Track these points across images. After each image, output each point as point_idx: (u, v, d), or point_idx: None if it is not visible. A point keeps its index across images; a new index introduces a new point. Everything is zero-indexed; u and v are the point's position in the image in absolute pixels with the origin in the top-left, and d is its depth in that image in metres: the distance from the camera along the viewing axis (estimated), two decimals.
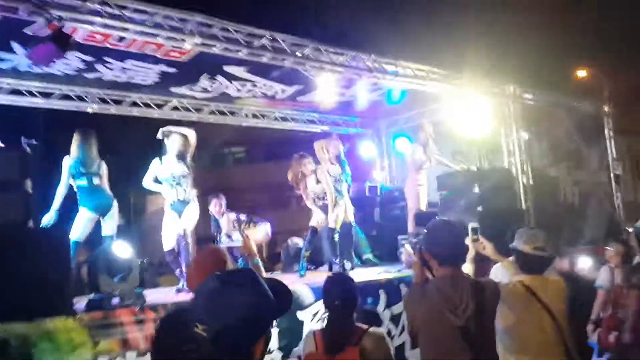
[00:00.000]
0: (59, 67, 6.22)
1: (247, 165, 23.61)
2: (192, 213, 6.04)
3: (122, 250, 4.86)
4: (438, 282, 2.92)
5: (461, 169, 8.15)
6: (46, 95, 6.89)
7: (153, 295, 5.52)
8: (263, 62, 6.06)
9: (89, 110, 7.26)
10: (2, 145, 4.35)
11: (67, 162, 5.84)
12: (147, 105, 7.68)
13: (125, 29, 5.01)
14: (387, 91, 8.32)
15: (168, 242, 5.94)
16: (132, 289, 4.77)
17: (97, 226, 5.96)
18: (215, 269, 2.66)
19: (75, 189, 5.89)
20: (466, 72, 7.64)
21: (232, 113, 8.51)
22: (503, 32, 7.39)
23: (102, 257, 4.73)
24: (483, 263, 4.21)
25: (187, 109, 8.02)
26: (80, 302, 4.77)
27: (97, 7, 4.67)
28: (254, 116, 8.71)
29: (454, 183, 8.10)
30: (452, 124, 8.49)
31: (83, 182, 5.88)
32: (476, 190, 7.70)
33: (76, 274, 5.30)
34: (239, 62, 6.41)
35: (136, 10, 4.99)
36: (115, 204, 6.06)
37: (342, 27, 6.60)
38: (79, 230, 5.76)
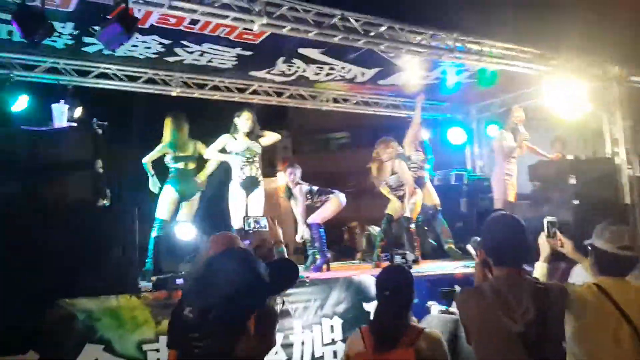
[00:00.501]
0: (140, 50, 6.41)
1: (345, 151, 23.49)
2: (261, 196, 6.05)
3: (188, 232, 4.91)
4: (494, 283, 2.60)
5: (556, 158, 7.49)
6: (132, 78, 7.14)
7: None
8: (334, 42, 5.85)
9: (173, 93, 7.45)
10: (75, 124, 4.51)
11: (161, 147, 6.18)
12: (228, 89, 7.76)
13: (194, 11, 5.00)
14: (477, 73, 7.82)
15: (237, 220, 5.94)
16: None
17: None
18: None
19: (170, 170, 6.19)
20: (562, 51, 6.97)
21: (313, 97, 8.40)
22: (607, 4, 6.62)
23: (168, 239, 4.80)
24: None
25: (267, 93, 8.01)
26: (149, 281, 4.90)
27: None
28: (335, 100, 8.54)
29: (547, 173, 7.51)
30: (549, 109, 7.86)
31: (179, 165, 6.18)
32: (572, 181, 7.08)
33: (156, 253, 5.46)
34: (313, 44, 6.26)
35: None
36: (199, 193, 6.22)
37: (420, 3, 6.17)
38: (163, 208, 6.01)
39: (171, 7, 4.84)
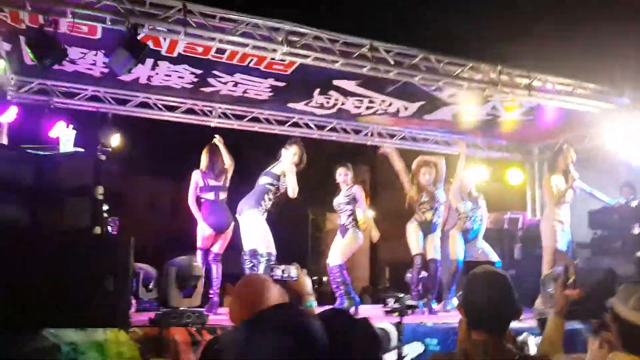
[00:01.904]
0: (174, 80, 6.42)
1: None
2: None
3: (192, 266, 4.70)
4: (470, 350, 2.14)
5: (617, 204, 6.72)
6: (171, 108, 7.17)
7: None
8: (368, 74, 5.57)
9: (212, 124, 7.40)
10: (80, 150, 4.46)
11: (196, 175, 5.96)
12: (268, 121, 7.62)
13: (212, 39, 4.90)
14: (535, 110, 7.25)
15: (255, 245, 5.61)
16: (195, 307, 4.58)
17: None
18: (256, 302, 2.37)
19: (202, 200, 5.97)
20: (628, 88, 6.29)
21: (356, 132, 8.09)
22: None
23: (171, 272, 4.60)
24: None
25: (308, 126, 7.80)
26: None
27: (180, 16, 4.61)
28: (379, 135, 8.18)
29: (609, 221, 6.82)
30: (615, 149, 7.13)
31: (210, 195, 5.94)
32: (636, 231, 6.32)
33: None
34: (346, 76, 6.00)
35: (223, 19, 4.86)
36: (233, 224, 5.94)
37: (460, 33, 5.76)
38: (201, 240, 5.85)
39: (188, 35, 4.76)
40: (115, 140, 6.88)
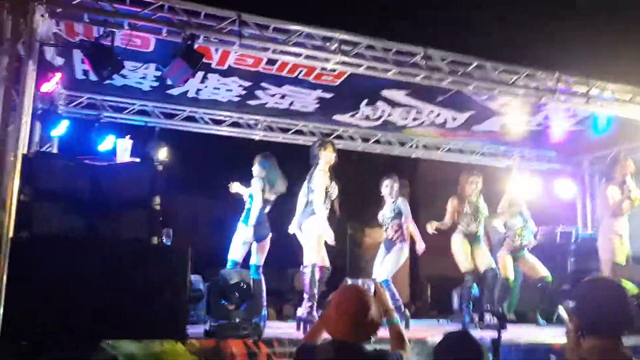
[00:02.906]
0: (222, 93, 6.43)
1: None
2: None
3: (244, 278, 4.62)
4: (587, 356, 2.18)
5: None
6: (217, 122, 7.18)
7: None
8: (419, 83, 5.47)
9: (256, 137, 7.38)
10: (137, 160, 4.46)
11: (257, 183, 5.68)
12: (312, 134, 7.57)
13: (266, 49, 4.87)
14: (589, 120, 7.03)
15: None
16: (250, 319, 4.50)
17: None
18: (359, 314, 2.44)
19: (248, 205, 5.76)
20: None
21: (402, 144, 7.97)
22: None
23: (222, 284, 4.54)
24: None
25: (352, 138, 7.72)
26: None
27: (236, 27, 4.60)
28: (425, 147, 8.04)
29: None
30: None
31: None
32: None
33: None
34: (396, 85, 5.91)
35: (276, 30, 4.83)
36: (269, 237, 5.80)
37: (516, 40, 5.61)
38: (235, 249, 5.70)
39: (242, 46, 4.75)
40: (162, 153, 6.90)
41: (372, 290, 2.98)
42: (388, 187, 6.11)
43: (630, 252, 6.59)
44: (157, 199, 4.33)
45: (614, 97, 5.99)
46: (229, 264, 5.67)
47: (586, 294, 2.30)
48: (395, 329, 2.86)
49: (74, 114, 6.68)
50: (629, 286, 5.31)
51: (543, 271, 6.73)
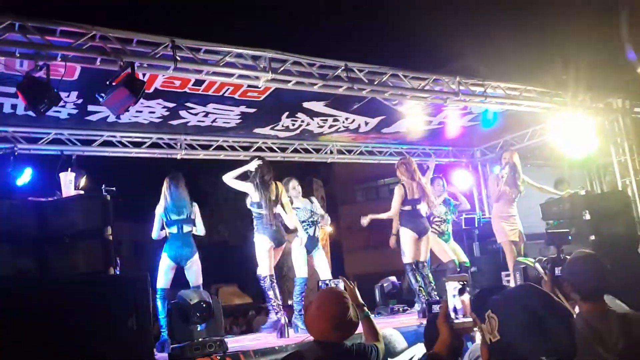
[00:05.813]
0: (144, 115, 6.39)
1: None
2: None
3: (203, 297, 4.72)
4: (587, 317, 2.67)
5: (567, 194, 7.35)
6: (136, 144, 7.09)
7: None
8: (339, 93, 5.85)
9: (178, 156, 7.39)
10: (82, 192, 4.40)
11: (159, 210, 5.76)
12: (233, 148, 7.71)
13: (199, 71, 5.00)
14: (479, 115, 7.83)
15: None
16: (212, 337, 4.60)
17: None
18: (340, 315, 2.59)
19: (167, 236, 5.79)
20: (566, 88, 6.99)
21: (317, 150, 8.36)
22: (607, 41, 6.68)
23: (184, 305, 4.60)
24: None
25: (272, 149, 7.97)
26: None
27: (168, 51, 4.68)
28: (339, 152, 8.50)
29: (560, 211, 7.33)
30: (553, 148, 7.81)
31: (174, 229, 5.76)
32: (587, 217, 6.91)
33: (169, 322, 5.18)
34: (317, 97, 6.26)
35: (208, 52, 4.97)
36: (197, 255, 5.83)
37: (422, 49, 6.20)
38: (161, 277, 5.69)
39: (177, 70, 4.83)
40: (82, 181, 6.70)
41: (342, 287, 3.27)
42: (295, 189, 6.40)
43: (523, 229, 7.35)
44: (109, 229, 4.31)
45: (505, 94, 6.77)
46: (157, 293, 5.66)
47: (578, 268, 2.77)
48: (367, 322, 3.15)
49: None
50: (529, 261, 5.93)
51: (463, 257, 7.42)
